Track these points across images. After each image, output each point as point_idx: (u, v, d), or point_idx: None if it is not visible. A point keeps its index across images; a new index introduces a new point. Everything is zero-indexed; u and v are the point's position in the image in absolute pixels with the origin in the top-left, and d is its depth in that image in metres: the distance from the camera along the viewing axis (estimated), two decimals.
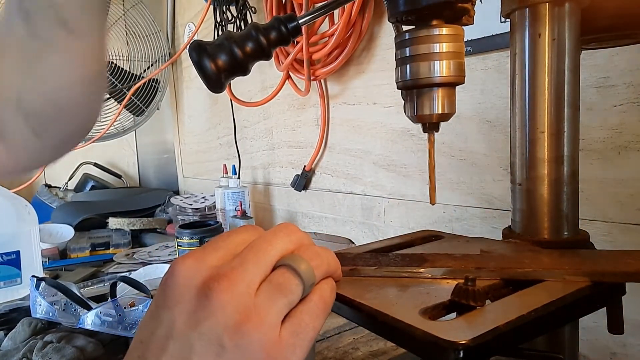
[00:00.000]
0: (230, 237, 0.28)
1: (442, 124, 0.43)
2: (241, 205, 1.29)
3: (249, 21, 1.28)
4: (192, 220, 1.32)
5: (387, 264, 0.41)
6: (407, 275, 0.40)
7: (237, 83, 1.43)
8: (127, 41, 1.74)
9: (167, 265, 1.18)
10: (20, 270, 1.00)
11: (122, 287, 0.84)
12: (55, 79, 0.39)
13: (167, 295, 0.26)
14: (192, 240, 1.11)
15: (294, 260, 0.27)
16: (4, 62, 0.40)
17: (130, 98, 1.67)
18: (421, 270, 0.40)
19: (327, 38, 1.01)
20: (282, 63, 1.13)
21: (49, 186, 1.79)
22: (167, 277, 0.26)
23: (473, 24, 0.42)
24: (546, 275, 0.37)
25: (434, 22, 0.40)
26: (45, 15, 0.37)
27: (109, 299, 0.74)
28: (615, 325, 0.37)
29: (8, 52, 0.40)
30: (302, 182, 1.23)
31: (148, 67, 1.77)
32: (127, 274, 1.05)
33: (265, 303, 0.25)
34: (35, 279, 0.80)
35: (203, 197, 1.50)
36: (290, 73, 1.16)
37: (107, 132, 1.66)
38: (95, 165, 1.97)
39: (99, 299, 0.88)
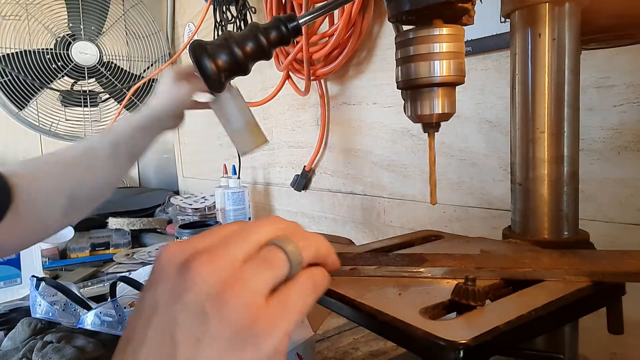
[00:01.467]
0: (218, 228, 0.28)
1: (442, 124, 0.43)
2: None
3: (249, 21, 1.28)
4: (192, 220, 1.32)
5: (387, 264, 0.41)
6: (407, 275, 0.40)
7: (237, 83, 1.42)
8: (127, 41, 1.74)
9: None
10: (20, 270, 1.00)
11: (122, 287, 0.84)
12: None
13: (151, 277, 0.26)
14: None
15: (280, 239, 0.27)
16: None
17: (130, 98, 1.67)
18: (421, 270, 0.40)
19: (327, 38, 1.01)
20: (282, 63, 1.13)
21: None
22: (153, 264, 0.27)
23: (473, 24, 0.42)
24: (546, 275, 0.37)
25: (434, 22, 0.40)
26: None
27: (109, 299, 0.74)
28: (615, 325, 0.37)
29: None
30: (302, 182, 1.23)
31: (148, 67, 1.77)
32: (127, 274, 1.05)
33: (250, 273, 0.25)
34: (35, 279, 0.80)
35: (203, 197, 1.50)
36: (290, 73, 1.16)
37: None
38: None
39: (99, 299, 0.88)
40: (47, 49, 1.57)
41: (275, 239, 0.27)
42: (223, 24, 1.33)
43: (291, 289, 0.26)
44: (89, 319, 0.70)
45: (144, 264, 1.16)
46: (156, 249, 1.30)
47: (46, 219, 0.61)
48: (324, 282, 0.28)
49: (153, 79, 1.74)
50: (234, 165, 1.39)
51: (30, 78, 1.54)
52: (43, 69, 1.56)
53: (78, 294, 0.79)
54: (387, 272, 0.41)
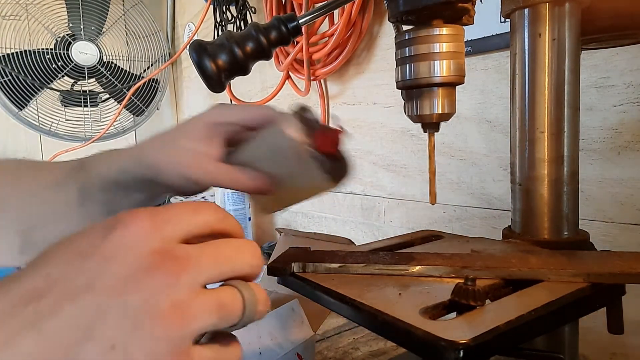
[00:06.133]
0: (190, 213, 0.26)
1: (442, 124, 0.43)
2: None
3: (249, 21, 1.28)
4: None
5: (375, 262, 0.41)
6: (394, 273, 0.40)
7: (237, 83, 1.43)
8: (127, 41, 1.74)
9: None
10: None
11: None
12: None
13: (106, 246, 0.24)
14: None
15: (251, 299, 0.25)
16: None
17: (130, 98, 1.67)
18: (408, 268, 0.40)
19: (327, 38, 1.01)
20: (282, 63, 1.13)
21: None
22: (114, 224, 0.24)
23: (473, 24, 0.42)
24: (531, 274, 0.37)
25: (434, 22, 0.40)
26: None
27: None
28: (615, 325, 0.37)
29: None
30: None
31: (148, 67, 1.77)
32: None
33: (199, 310, 0.23)
34: None
35: (203, 197, 1.50)
36: (290, 73, 1.16)
37: (107, 132, 1.65)
38: None
39: None
40: (47, 49, 1.57)
41: (248, 293, 0.25)
42: (223, 24, 1.33)
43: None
44: None
45: None
46: None
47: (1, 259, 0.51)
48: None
49: (153, 79, 1.74)
50: None
51: (30, 78, 1.54)
52: (43, 69, 1.56)
53: None
54: (375, 269, 0.41)
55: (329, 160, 0.41)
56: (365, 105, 1.02)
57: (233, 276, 0.26)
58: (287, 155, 0.41)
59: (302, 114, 0.42)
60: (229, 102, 1.45)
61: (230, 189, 0.44)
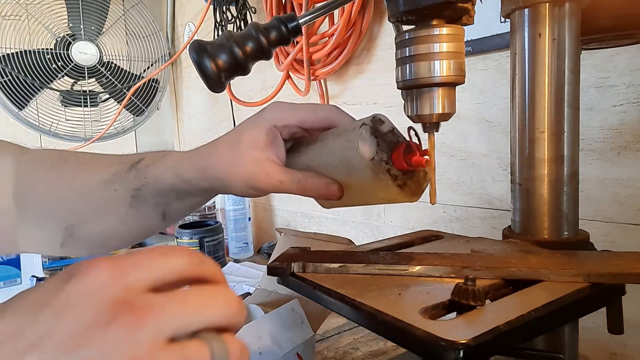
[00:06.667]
0: (158, 259, 0.24)
1: (442, 124, 0.43)
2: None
3: (249, 21, 1.28)
4: (192, 220, 1.32)
5: (375, 262, 0.41)
6: (394, 273, 0.40)
7: (237, 83, 1.43)
8: (127, 41, 1.74)
9: None
10: (20, 270, 1.00)
11: None
12: None
13: (62, 296, 0.22)
14: (191, 240, 1.11)
15: (222, 354, 0.24)
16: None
17: (130, 98, 1.67)
18: (408, 268, 0.40)
19: (327, 38, 1.01)
20: (282, 63, 1.13)
21: None
22: (73, 273, 0.23)
23: (473, 23, 0.42)
24: (531, 274, 0.37)
25: (434, 22, 0.40)
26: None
27: None
28: (615, 325, 0.37)
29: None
30: None
31: (148, 67, 1.77)
32: None
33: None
34: (35, 279, 0.80)
35: None
36: (290, 73, 1.16)
37: (107, 132, 1.65)
38: None
39: None
40: (47, 49, 1.57)
41: (217, 345, 0.24)
42: (223, 24, 1.33)
43: None
44: None
45: None
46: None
47: (41, 249, 0.54)
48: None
49: (153, 79, 1.74)
50: None
51: (30, 78, 1.54)
52: (43, 69, 1.56)
53: None
54: (375, 269, 0.41)
55: (405, 175, 0.40)
56: (365, 105, 1.02)
57: (205, 327, 0.24)
58: (359, 168, 0.40)
59: (376, 127, 0.41)
60: (229, 102, 1.45)
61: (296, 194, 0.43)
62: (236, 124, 1.54)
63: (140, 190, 0.47)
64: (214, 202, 1.41)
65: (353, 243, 1.07)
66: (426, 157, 0.40)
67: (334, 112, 0.46)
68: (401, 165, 0.40)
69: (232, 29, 1.32)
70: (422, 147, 0.41)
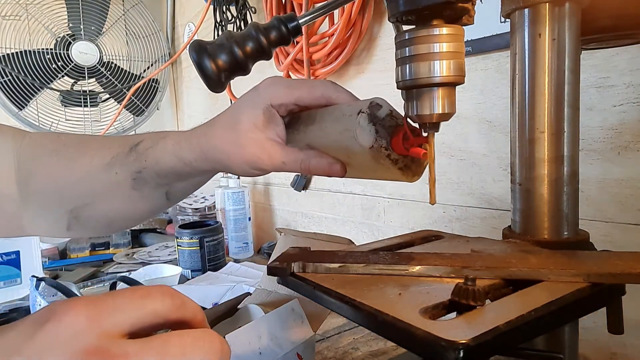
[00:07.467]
0: (137, 301, 0.24)
1: (442, 124, 0.43)
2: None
3: (249, 21, 1.28)
4: (192, 220, 1.32)
5: (375, 262, 0.42)
6: (394, 273, 0.40)
7: (237, 83, 1.43)
8: (127, 41, 1.74)
9: (168, 266, 1.17)
10: (20, 270, 1.00)
11: (121, 287, 0.84)
12: None
13: (34, 343, 0.21)
14: (191, 240, 1.11)
15: None
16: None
17: (130, 98, 1.67)
18: (408, 268, 0.40)
19: (327, 38, 1.01)
20: (282, 63, 1.13)
21: None
22: (48, 317, 0.22)
23: (473, 23, 0.42)
24: (532, 274, 0.37)
25: (434, 22, 0.40)
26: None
27: None
28: (615, 325, 0.37)
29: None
30: (302, 182, 1.23)
31: (148, 67, 1.77)
32: (127, 274, 1.05)
33: None
34: (35, 279, 0.80)
35: (203, 197, 1.50)
36: (290, 73, 1.16)
37: (107, 132, 1.65)
38: None
39: None
40: (47, 49, 1.57)
41: None
42: (223, 24, 1.33)
43: None
44: None
45: (144, 263, 1.16)
46: (156, 249, 1.30)
47: (48, 232, 0.55)
48: None
49: (153, 79, 1.74)
50: None
51: (30, 78, 1.54)
52: (43, 69, 1.56)
53: (78, 294, 0.79)
54: (375, 269, 0.41)
55: (406, 158, 0.41)
56: None
57: None
58: (360, 154, 0.41)
59: (374, 114, 0.41)
60: (229, 102, 1.45)
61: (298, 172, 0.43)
62: None
63: (141, 173, 0.47)
64: (214, 202, 1.41)
65: (353, 243, 1.07)
66: (424, 145, 0.40)
67: (330, 89, 0.45)
68: (401, 151, 0.40)
69: (232, 29, 1.32)
70: (420, 130, 0.41)
